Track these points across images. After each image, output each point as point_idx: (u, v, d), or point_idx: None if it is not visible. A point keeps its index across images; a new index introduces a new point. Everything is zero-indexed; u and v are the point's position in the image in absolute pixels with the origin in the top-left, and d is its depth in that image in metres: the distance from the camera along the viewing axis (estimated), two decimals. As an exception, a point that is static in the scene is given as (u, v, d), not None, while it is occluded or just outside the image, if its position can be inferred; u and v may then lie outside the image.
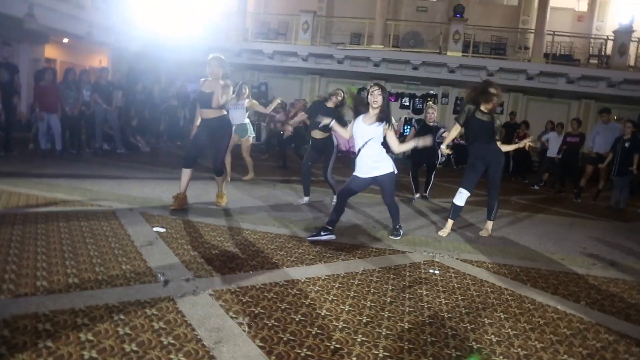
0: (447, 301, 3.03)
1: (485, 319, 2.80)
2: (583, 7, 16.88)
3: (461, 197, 4.85)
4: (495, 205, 5.00)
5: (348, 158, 11.23)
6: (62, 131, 8.30)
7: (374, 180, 4.40)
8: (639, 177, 8.37)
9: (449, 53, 14.26)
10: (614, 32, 14.09)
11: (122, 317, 2.34)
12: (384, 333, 2.48)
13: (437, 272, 3.64)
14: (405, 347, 2.34)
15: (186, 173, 4.90)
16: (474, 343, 2.46)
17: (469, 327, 2.65)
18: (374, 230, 4.79)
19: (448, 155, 6.19)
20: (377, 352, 2.26)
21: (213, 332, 2.29)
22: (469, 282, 3.47)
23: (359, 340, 2.37)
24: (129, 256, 3.26)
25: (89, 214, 4.32)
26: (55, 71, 9.02)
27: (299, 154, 9.22)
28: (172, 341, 2.16)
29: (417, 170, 7.29)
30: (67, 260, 3.07)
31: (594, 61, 15.23)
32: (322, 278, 3.21)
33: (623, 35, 13.75)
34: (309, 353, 2.19)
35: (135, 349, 2.07)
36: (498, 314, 2.88)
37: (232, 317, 2.47)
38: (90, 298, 2.52)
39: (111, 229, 3.87)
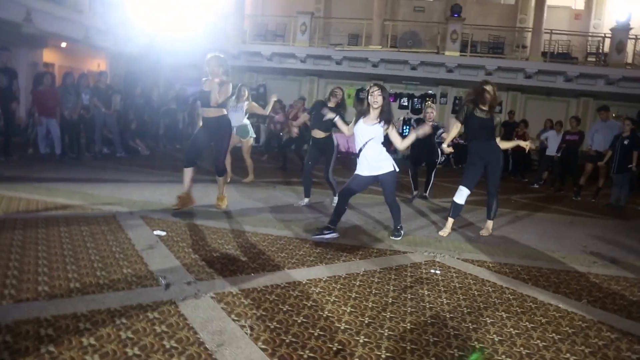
0: (448, 301, 3.04)
1: (487, 318, 2.80)
2: (580, 5, 16.90)
3: (461, 194, 4.85)
4: (494, 204, 5.00)
5: (347, 159, 11.24)
6: (61, 135, 8.29)
7: (375, 179, 4.43)
8: (639, 174, 8.37)
9: (447, 53, 14.28)
10: (611, 29, 14.11)
11: (124, 321, 2.34)
12: (386, 334, 2.48)
13: (438, 272, 3.64)
14: (408, 348, 2.34)
15: (187, 172, 4.92)
16: (476, 343, 2.46)
17: (471, 327, 2.65)
18: (375, 231, 4.80)
19: (448, 155, 6.19)
20: (379, 353, 2.26)
21: (215, 335, 2.29)
22: (471, 281, 3.47)
23: (361, 341, 2.37)
24: (130, 260, 3.26)
25: (89, 218, 4.32)
26: (53, 75, 9.02)
27: (300, 155, 9.23)
28: (175, 345, 2.16)
29: (417, 168, 7.30)
30: (68, 264, 3.07)
31: (591, 59, 15.25)
32: (324, 279, 3.21)
33: (620, 33, 13.76)
34: (311, 355, 2.19)
35: (137, 352, 2.07)
36: (500, 313, 2.88)
37: (234, 320, 2.47)
38: (92, 302, 2.52)
39: (112, 233, 3.87)
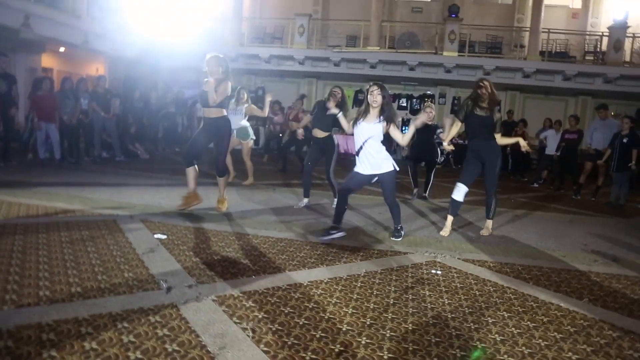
0: (450, 301, 3.04)
1: (489, 318, 2.80)
2: (577, 4, 16.95)
3: (459, 191, 4.84)
4: (492, 203, 5.00)
5: (347, 160, 11.25)
6: (60, 140, 8.30)
7: (375, 178, 4.45)
8: (639, 173, 8.38)
9: (445, 53, 14.31)
10: (608, 28, 14.15)
11: (125, 325, 2.34)
12: (388, 335, 2.48)
13: (439, 272, 3.64)
14: (410, 349, 2.34)
15: (190, 172, 4.96)
16: (478, 343, 2.46)
17: (472, 327, 2.65)
18: (375, 232, 4.80)
19: (448, 153, 6.20)
20: (381, 354, 2.26)
21: (217, 337, 2.29)
22: (472, 281, 3.47)
23: (363, 342, 2.37)
24: (131, 264, 3.26)
25: (89, 222, 4.32)
26: (52, 80, 9.03)
27: (301, 156, 9.23)
28: (177, 348, 2.16)
29: (417, 166, 7.30)
30: (69, 269, 3.07)
31: (589, 58, 15.29)
32: (325, 281, 3.21)
33: (618, 31, 13.81)
34: (313, 357, 2.19)
35: (139, 356, 2.07)
36: (501, 313, 2.88)
37: (235, 323, 2.46)
38: (93, 306, 2.52)
39: (112, 237, 3.87)
